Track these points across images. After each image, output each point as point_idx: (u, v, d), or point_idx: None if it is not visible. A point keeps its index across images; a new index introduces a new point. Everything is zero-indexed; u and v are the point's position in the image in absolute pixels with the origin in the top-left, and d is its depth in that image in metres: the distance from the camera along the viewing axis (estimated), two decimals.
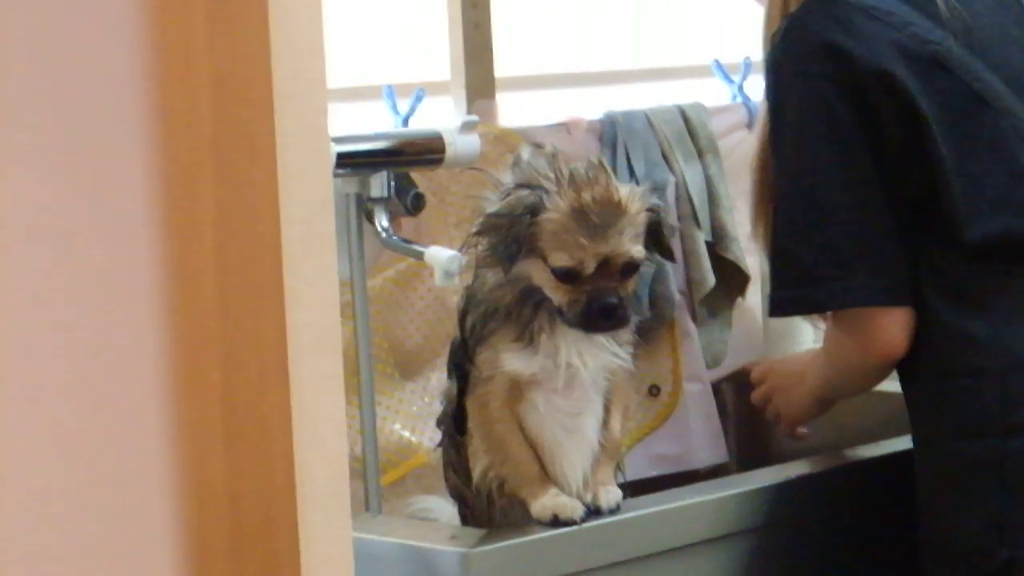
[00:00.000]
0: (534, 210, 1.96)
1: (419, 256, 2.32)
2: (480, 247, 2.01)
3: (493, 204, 2.02)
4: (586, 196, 1.95)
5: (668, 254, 2.07)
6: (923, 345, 2.14)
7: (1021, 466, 2.09)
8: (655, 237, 2.03)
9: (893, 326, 2.13)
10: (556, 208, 1.95)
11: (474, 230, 2.01)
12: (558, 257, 1.95)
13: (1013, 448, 2.09)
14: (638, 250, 1.98)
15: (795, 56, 2.12)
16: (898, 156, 2.11)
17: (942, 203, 2.10)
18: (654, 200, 2.02)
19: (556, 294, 1.97)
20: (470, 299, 2.05)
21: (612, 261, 1.96)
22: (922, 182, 2.11)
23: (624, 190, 1.98)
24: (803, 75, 2.11)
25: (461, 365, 2.05)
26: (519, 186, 1.99)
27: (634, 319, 2.04)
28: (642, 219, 1.99)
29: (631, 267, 1.98)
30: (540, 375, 1.99)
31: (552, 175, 1.98)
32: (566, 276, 1.96)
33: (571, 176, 1.97)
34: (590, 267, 1.95)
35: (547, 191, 1.97)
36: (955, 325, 2.12)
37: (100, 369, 1.31)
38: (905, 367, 2.17)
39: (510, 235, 1.96)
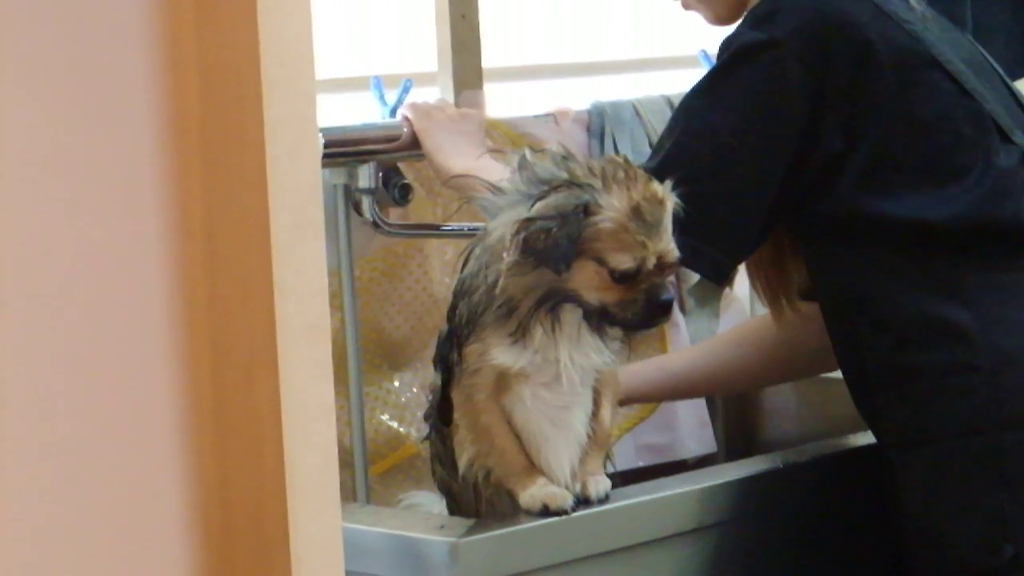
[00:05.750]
0: (587, 210, 1.91)
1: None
2: (514, 248, 1.93)
3: (501, 206, 1.97)
4: (636, 194, 1.92)
5: None
6: (912, 343, 2.12)
7: (1020, 459, 2.08)
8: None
9: None
10: (611, 207, 1.91)
11: (515, 231, 1.92)
12: (620, 259, 1.91)
13: (1010, 442, 2.08)
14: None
15: (783, 23, 2.11)
16: (848, 120, 2.09)
17: (907, 169, 2.10)
18: (674, 191, 1.99)
19: (606, 295, 1.93)
20: (464, 288, 2.00)
21: (664, 258, 1.94)
22: (877, 140, 2.09)
23: (656, 185, 1.96)
24: (773, 45, 2.10)
25: (446, 358, 2.04)
26: (560, 186, 1.93)
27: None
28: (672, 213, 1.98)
29: (674, 263, 1.97)
30: (528, 369, 1.98)
31: (595, 173, 1.94)
32: (624, 277, 1.92)
33: (615, 174, 1.93)
34: (651, 266, 1.92)
35: (596, 189, 1.92)
36: (943, 322, 2.10)
37: (87, 357, 1.31)
38: (894, 365, 2.14)
39: (563, 236, 1.90)
